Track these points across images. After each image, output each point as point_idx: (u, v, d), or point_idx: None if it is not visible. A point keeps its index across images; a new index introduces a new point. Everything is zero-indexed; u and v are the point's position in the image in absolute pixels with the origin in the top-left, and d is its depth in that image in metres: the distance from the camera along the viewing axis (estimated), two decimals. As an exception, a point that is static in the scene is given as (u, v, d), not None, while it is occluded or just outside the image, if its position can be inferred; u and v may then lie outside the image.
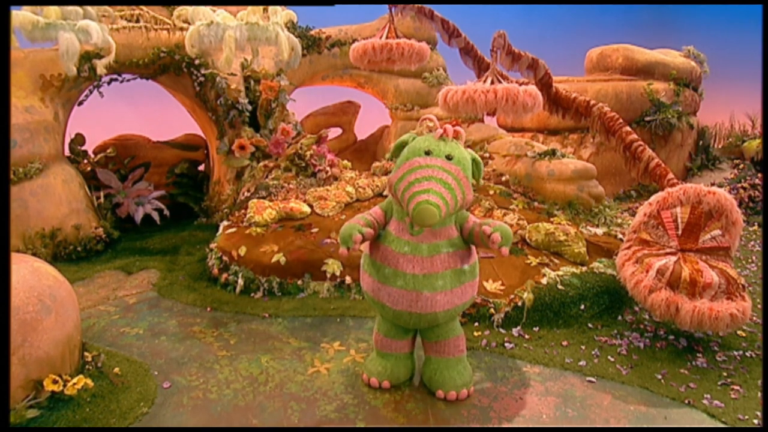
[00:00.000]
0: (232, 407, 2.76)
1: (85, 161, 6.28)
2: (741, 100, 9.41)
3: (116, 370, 2.90)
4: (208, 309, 4.03)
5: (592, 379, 3.06)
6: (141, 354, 3.30)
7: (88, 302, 4.16)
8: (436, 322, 2.77)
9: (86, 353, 2.88)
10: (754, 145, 8.37)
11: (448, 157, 2.55)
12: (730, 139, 8.94)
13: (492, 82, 4.13)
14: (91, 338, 3.46)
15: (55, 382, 2.42)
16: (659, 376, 3.09)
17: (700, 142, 8.70)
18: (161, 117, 8.10)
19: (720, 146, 9.10)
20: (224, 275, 4.41)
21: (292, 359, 3.25)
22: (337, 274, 4.28)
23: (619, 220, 5.25)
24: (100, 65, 4.82)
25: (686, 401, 2.84)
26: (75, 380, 2.48)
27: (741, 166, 8.32)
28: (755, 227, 6.76)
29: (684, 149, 8.47)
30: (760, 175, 7.67)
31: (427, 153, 2.56)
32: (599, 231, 4.95)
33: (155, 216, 6.33)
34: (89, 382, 2.58)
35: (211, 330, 3.67)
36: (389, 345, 2.95)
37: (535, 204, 5.27)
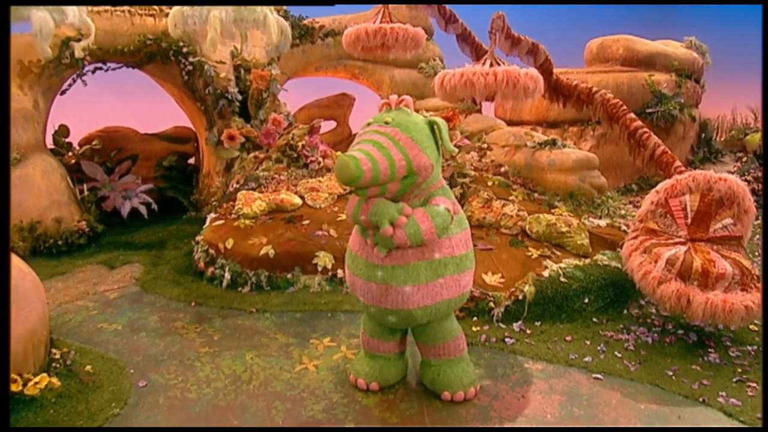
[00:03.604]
0: (212, 407, 2.56)
1: (70, 153, 6.07)
2: (743, 92, 9.24)
3: (88, 367, 2.70)
4: (193, 304, 3.82)
5: (599, 376, 2.87)
6: (117, 351, 3.09)
7: (66, 297, 3.94)
8: (414, 321, 2.50)
9: (54, 350, 2.68)
10: (757, 138, 8.19)
11: (386, 123, 2.35)
12: (733, 132, 8.77)
13: (491, 65, 3.94)
14: (64, 334, 3.25)
15: (14, 381, 2.21)
16: (670, 373, 2.90)
17: (702, 135, 8.51)
18: (150, 108, 7.88)
19: (722, 139, 8.92)
20: (210, 269, 4.21)
21: (279, 356, 3.05)
22: (329, 267, 4.08)
23: (623, 212, 5.07)
24: (78, 48, 4.60)
25: (700, 399, 2.65)
26: (37, 379, 2.27)
27: (744, 159, 8.15)
28: (758, 221, 6.59)
29: (686, 142, 8.28)
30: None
31: (368, 124, 2.42)
32: (602, 222, 4.77)
33: (143, 210, 6.11)
34: (55, 381, 2.37)
35: (194, 325, 3.47)
36: (376, 346, 2.72)
37: (535, 195, 5.08)
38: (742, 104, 9.21)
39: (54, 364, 2.56)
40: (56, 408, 2.33)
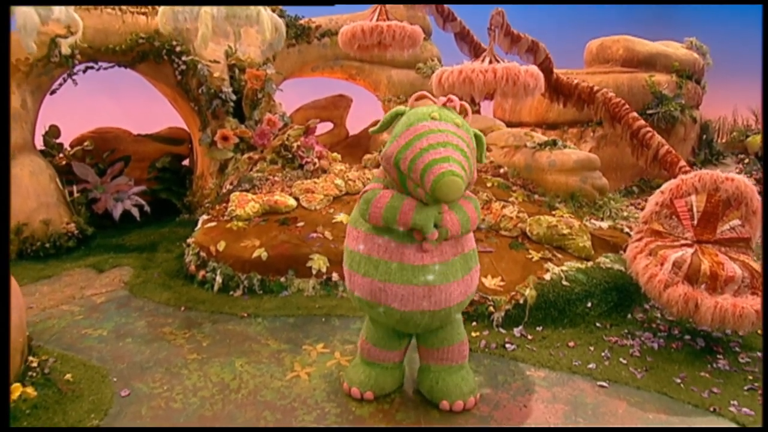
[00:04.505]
0: (198, 417, 2.43)
1: (61, 154, 5.94)
2: (744, 93, 9.14)
3: (68, 376, 2.57)
4: (182, 308, 3.69)
5: (604, 384, 2.75)
6: (101, 358, 2.96)
7: (51, 302, 3.81)
8: (449, 319, 2.46)
9: (32, 358, 2.54)
10: (758, 139, 8.10)
11: (457, 125, 2.23)
12: (734, 134, 8.67)
13: (490, 62, 3.83)
14: (46, 341, 3.12)
15: (-15, 391, 2.07)
16: (678, 380, 2.78)
17: (704, 137, 8.41)
18: (144, 109, 7.75)
19: (723, 141, 8.83)
20: (201, 272, 4.08)
21: (270, 363, 2.92)
22: (324, 270, 3.96)
23: (625, 213, 4.94)
24: (65, 44, 4.48)
25: (711, 408, 2.53)
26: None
27: (746, 161, 8.05)
28: (762, 223, 6.48)
29: (687, 143, 8.17)
30: (766, 169, 7.40)
31: (434, 119, 2.22)
32: (604, 224, 4.64)
33: (135, 212, 5.98)
34: (30, 390, 2.25)
35: (182, 331, 3.34)
36: (378, 355, 2.59)
37: (536, 196, 4.96)
38: (743, 105, 9.11)
39: (30, 373, 2.43)
40: (30, 420, 2.19)
